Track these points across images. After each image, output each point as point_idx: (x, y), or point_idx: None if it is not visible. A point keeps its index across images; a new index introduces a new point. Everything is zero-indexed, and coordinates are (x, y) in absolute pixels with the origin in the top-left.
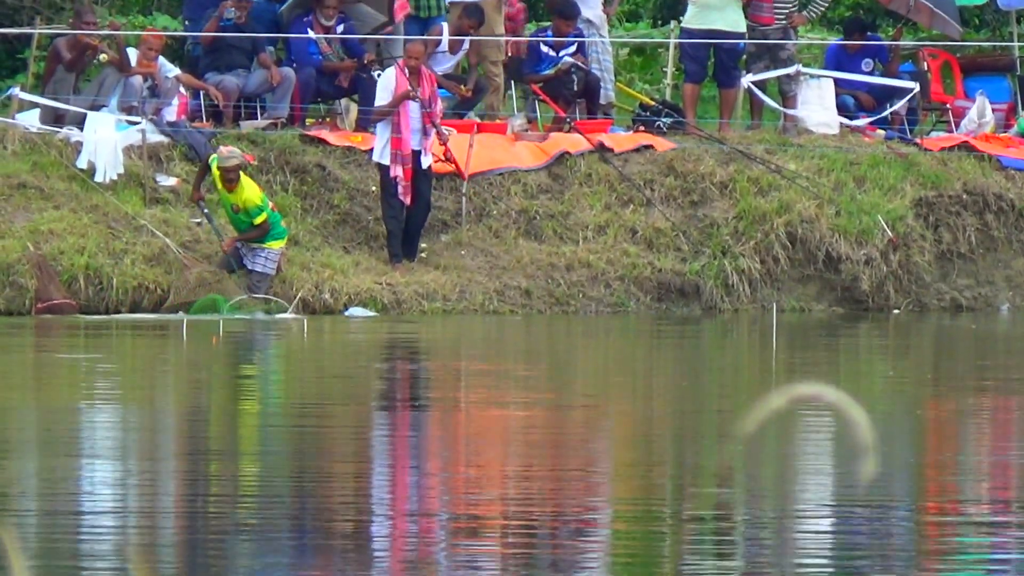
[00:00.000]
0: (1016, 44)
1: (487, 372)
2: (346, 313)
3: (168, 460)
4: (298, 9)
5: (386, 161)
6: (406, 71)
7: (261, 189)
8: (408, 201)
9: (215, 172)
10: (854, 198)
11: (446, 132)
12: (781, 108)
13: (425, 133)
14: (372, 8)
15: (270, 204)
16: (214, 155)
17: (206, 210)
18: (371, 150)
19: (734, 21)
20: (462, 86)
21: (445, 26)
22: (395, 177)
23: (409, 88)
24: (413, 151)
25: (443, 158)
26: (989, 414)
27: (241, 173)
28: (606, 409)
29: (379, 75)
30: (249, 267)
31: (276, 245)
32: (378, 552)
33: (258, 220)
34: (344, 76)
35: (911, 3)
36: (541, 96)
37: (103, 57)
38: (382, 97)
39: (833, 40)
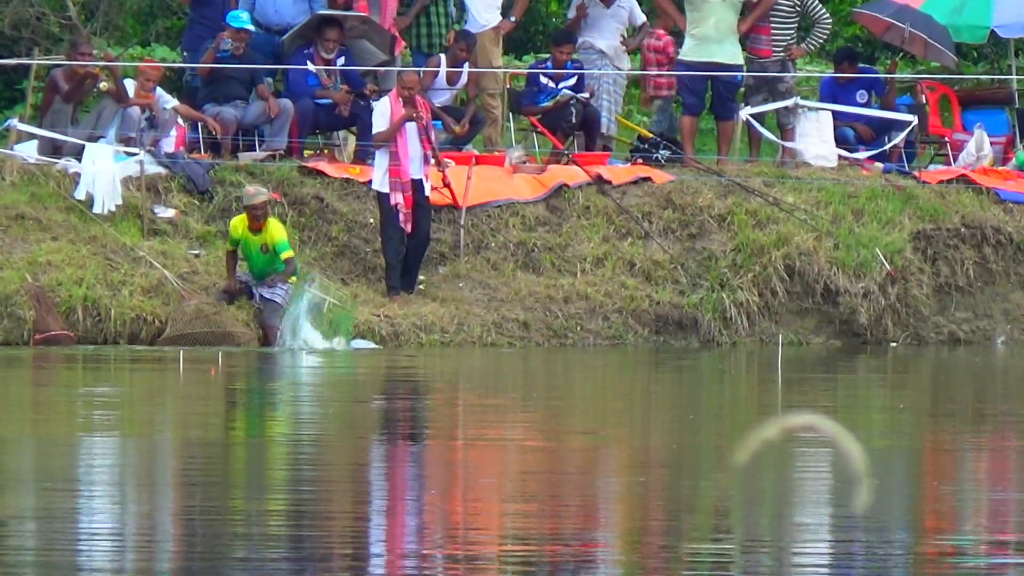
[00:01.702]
0: (1015, 77)
1: (485, 405)
2: (351, 345)
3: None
4: (299, 40)
5: (385, 189)
6: (400, 100)
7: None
8: (409, 229)
9: (240, 226)
10: (852, 231)
11: (445, 160)
12: (779, 141)
13: (425, 160)
14: (374, 46)
15: None
16: (231, 225)
17: (259, 291)
18: (370, 181)
19: (732, 54)
20: (455, 126)
21: (443, 58)
22: (395, 204)
23: (408, 111)
24: (414, 180)
25: (442, 184)
26: (988, 449)
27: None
28: (604, 442)
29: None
30: (268, 297)
31: (293, 280)
32: None
33: (285, 255)
34: (343, 108)
35: (906, 35)
36: (539, 128)
37: (103, 85)
38: (380, 124)
39: (830, 73)
